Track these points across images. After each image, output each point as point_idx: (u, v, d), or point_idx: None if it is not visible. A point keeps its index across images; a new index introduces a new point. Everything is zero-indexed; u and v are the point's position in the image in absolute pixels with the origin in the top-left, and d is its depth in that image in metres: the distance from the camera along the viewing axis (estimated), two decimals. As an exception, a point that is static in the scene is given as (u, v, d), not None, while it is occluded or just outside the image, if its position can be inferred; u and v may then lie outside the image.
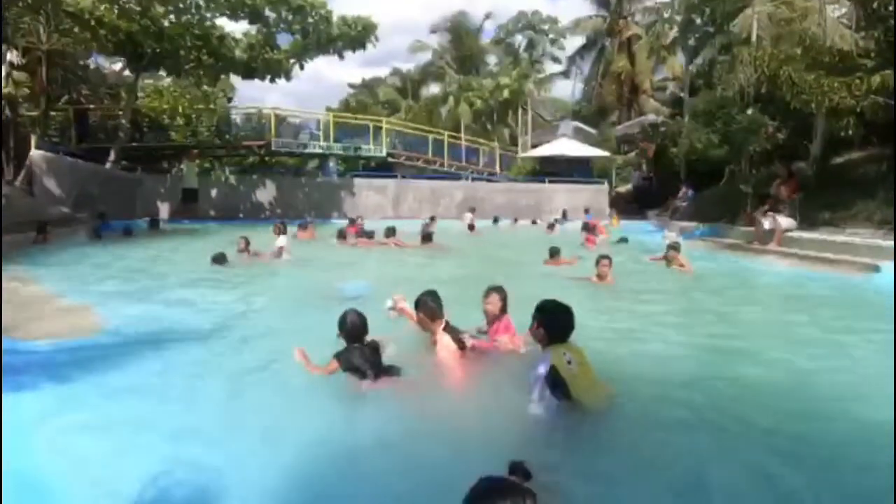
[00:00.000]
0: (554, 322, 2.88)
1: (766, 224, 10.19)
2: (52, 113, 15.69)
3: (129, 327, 4.21)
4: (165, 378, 3.17)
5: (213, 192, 16.90)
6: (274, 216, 16.46)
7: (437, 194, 19.02)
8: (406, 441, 2.42)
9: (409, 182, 19.23)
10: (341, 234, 11.00)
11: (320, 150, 19.05)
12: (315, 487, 2.04)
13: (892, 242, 7.54)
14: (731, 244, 11.28)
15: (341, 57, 16.36)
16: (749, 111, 13.13)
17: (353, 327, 3.17)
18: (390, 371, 3.16)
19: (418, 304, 3.51)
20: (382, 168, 21.92)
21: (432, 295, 3.53)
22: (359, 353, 3.09)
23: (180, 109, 16.70)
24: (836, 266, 7.96)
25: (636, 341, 4.30)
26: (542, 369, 2.72)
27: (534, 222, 17.32)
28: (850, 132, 10.42)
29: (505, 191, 20.03)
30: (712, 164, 15.14)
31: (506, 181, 21.37)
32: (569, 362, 2.75)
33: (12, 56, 13.58)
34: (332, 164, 20.37)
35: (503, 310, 3.83)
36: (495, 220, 16.74)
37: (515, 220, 17.31)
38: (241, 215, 16.71)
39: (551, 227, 15.12)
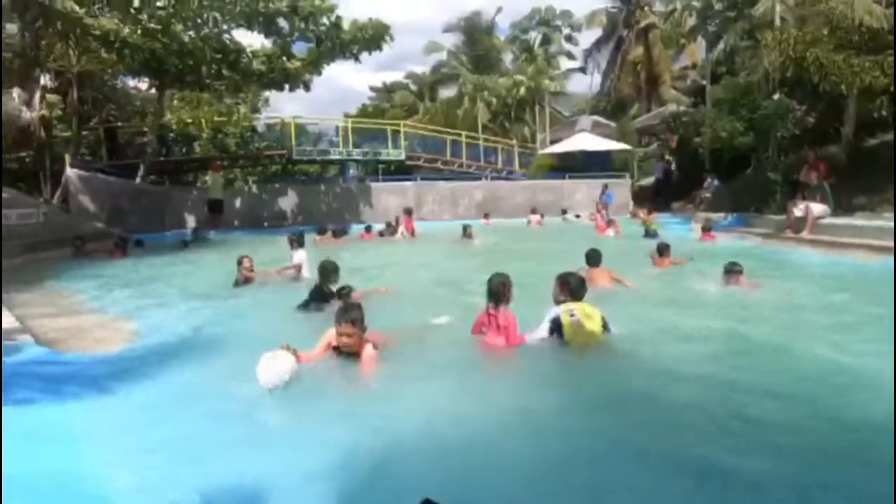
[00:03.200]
0: (568, 285, 3.85)
1: (798, 211, 9.88)
2: (84, 132, 16.31)
3: (166, 338, 4.33)
4: (201, 387, 3.26)
5: (237, 203, 17.26)
6: (296, 223, 16.75)
7: (456, 195, 19.04)
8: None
9: (429, 184, 19.30)
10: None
11: (340, 157, 19.28)
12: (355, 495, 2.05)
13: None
14: (761, 233, 10.97)
15: (357, 60, 16.52)
16: (775, 96, 12.76)
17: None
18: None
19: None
20: (401, 171, 22.07)
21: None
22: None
23: (204, 123, 17.15)
24: (873, 252, 7.67)
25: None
26: (550, 316, 3.75)
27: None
28: (884, 112, 10.02)
29: (524, 188, 19.92)
30: (738, 152, 14.76)
31: (525, 179, 21.25)
32: (571, 315, 3.68)
33: (45, 79, 14.17)
34: (351, 169, 20.61)
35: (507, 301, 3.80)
36: (564, 212, 17.40)
37: (535, 214, 16.96)
38: (265, 224, 17.02)
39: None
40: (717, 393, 3.10)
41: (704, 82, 19.45)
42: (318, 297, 5.08)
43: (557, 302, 3.85)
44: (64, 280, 7.48)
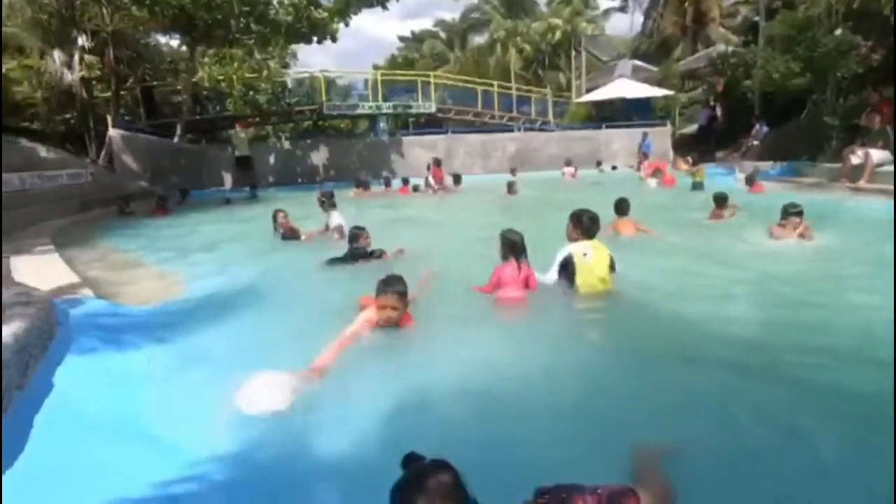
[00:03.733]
0: (581, 223, 3.81)
1: (855, 158, 9.23)
2: (122, 93, 16.63)
3: (211, 290, 4.55)
4: (248, 338, 3.44)
5: (271, 159, 17.49)
6: (328, 179, 16.90)
7: (487, 147, 18.67)
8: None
9: (460, 137, 18.95)
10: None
11: (370, 111, 19.09)
12: (397, 437, 2.16)
13: None
14: (813, 183, 10.36)
15: (385, 7, 16.04)
16: (837, 31, 11.66)
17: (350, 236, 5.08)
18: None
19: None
20: (431, 124, 21.68)
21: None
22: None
23: (235, 79, 17.16)
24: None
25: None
26: (562, 255, 3.77)
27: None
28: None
29: (559, 139, 19.30)
30: (791, 95, 13.73)
31: (560, 130, 20.54)
32: (585, 254, 3.70)
33: (82, 40, 14.39)
34: (381, 123, 20.40)
35: (504, 256, 3.80)
36: (599, 164, 16.99)
37: (569, 167, 16.38)
38: (298, 180, 17.25)
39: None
40: (757, 345, 3.05)
41: (757, 18, 17.92)
42: (353, 259, 5.16)
43: (571, 240, 3.86)
44: (114, 237, 7.87)
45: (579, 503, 1.51)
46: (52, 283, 4.34)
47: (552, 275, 3.80)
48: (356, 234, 5.34)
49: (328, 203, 7.05)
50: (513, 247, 3.75)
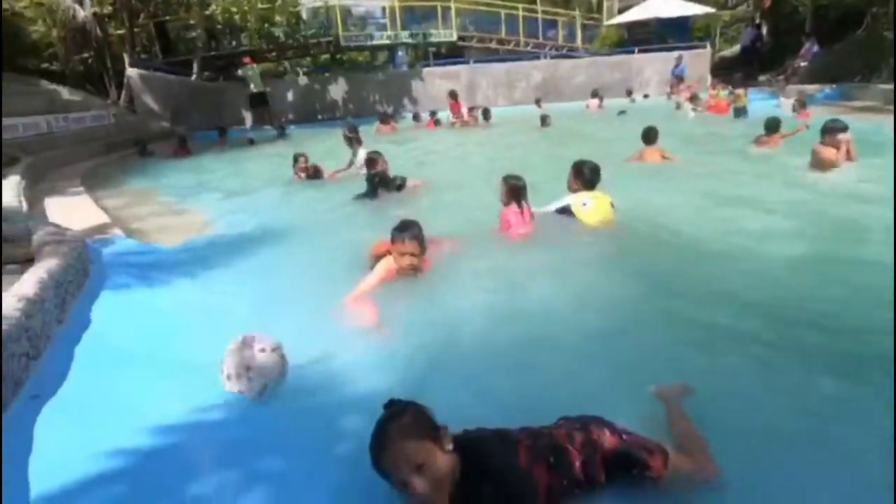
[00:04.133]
0: (581, 175, 3.87)
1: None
2: (136, 29, 16.24)
3: (235, 228, 4.62)
4: (272, 269, 3.51)
5: (290, 96, 17.13)
6: (348, 113, 16.53)
7: (512, 77, 17.80)
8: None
9: (482, 66, 18.07)
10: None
11: (388, 41, 18.24)
12: (416, 374, 2.20)
13: None
14: (863, 107, 9.58)
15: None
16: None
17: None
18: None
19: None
20: (453, 54, 20.66)
21: None
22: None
23: (248, 11, 16.50)
24: None
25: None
26: (561, 203, 3.86)
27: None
28: None
29: (587, 66, 18.19)
30: (847, 8, 12.45)
31: (588, 56, 19.32)
32: (584, 204, 3.78)
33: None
34: (400, 53, 19.54)
35: (507, 201, 3.74)
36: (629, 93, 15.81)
37: (595, 98, 15.14)
38: (318, 116, 16.94)
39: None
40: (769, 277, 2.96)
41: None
42: (373, 189, 5.11)
43: (572, 190, 3.93)
44: (140, 178, 7.99)
45: (595, 435, 1.50)
46: (84, 224, 4.47)
47: (549, 208, 3.92)
48: (373, 158, 5.27)
49: (355, 139, 6.87)
50: (515, 191, 3.75)
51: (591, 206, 3.76)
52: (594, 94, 15.12)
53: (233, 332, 2.14)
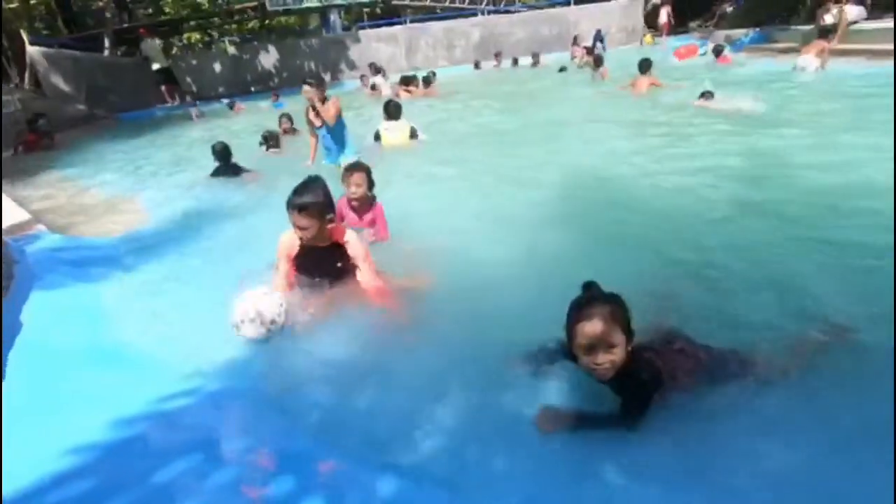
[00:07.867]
0: (387, 110, 5.92)
1: (829, 17, 8.90)
2: (32, 2, 14.65)
3: (170, 215, 4.39)
4: (213, 256, 3.39)
5: (217, 68, 16.09)
6: (282, 83, 15.75)
7: (451, 36, 17.40)
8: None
9: (420, 26, 17.54)
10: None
11: (318, 3, 17.31)
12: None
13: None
14: (784, 48, 10.07)
15: None
16: None
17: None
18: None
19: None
20: (389, 14, 19.90)
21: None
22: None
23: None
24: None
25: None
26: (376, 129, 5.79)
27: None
28: None
29: (524, 22, 18.01)
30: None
31: (525, 10, 19.10)
32: (386, 129, 5.82)
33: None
34: (332, 16, 18.63)
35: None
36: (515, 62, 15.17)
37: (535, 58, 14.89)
38: (251, 88, 16.06)
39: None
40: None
41: None
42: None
43: (384, 119, 5.87)
44: (57, 167, 7.39)
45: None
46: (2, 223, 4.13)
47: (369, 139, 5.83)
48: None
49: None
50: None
51: (391, 131, 5.72)
52: (535, 56, 14.79)
53: (177, 319, 2.09)
